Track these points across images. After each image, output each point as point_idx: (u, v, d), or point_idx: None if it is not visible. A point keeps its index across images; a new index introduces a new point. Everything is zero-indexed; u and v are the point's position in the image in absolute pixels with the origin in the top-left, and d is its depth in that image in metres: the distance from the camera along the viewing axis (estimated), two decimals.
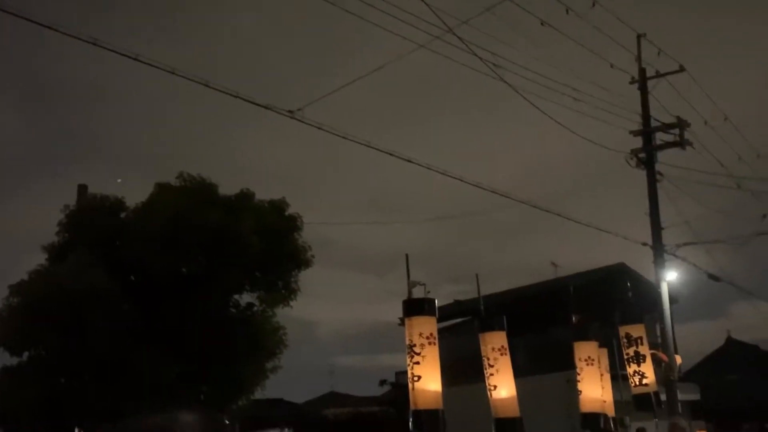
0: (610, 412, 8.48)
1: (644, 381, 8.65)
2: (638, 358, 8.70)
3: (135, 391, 12.21)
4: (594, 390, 7.98)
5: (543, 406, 16.26)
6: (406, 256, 5.76)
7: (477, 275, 7.06)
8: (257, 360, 14.08)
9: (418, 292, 5.76)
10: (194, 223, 13.20)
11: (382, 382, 24.80)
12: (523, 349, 18.98)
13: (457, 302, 22.28)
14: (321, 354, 57.24)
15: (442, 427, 5.52)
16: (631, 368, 8.69)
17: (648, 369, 8.66)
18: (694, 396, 20.11)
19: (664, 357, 14.48)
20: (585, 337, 8.20)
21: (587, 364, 8.00)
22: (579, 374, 8.02)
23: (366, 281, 54.98)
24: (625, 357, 8.77)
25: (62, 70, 59.07)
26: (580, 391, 7.99)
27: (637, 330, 8.78)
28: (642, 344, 8.70)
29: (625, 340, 8.77)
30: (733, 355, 28.22)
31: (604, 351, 8.79)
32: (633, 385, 8.67)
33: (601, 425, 7.92)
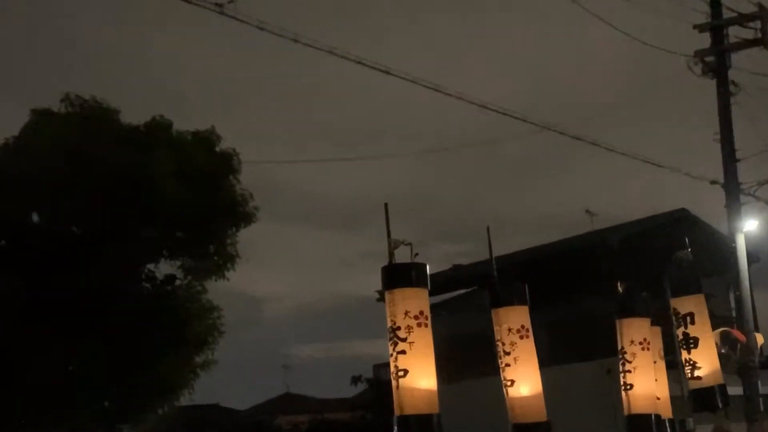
0: (666, 412, 8.68)
1: (697, 372, 8.80)
2: (688, 342, 8.79)
3: (16, 396, 12.30)
4: (646, 383, 8.13)
5: (575, 405, 16.60)
6: (386, 205, 5.74)
7: (488, 228, 7.07)
8: (182, 353, 14.22)
9: (402, 255, 5.79)
10: (88, 165, 13.12)
11: (356, 380, 25.09)
12: (548, 329, 19.27)
13: (456, 268, 22.47)
14: (271, 342, 57.78)
15: None
16: (683, 356, 8.85)
17: (703, 356, 8.77)
18: None
19: (741, 336, 14.71)
20: (634, 312, 8.30)
21: (641, 349, 8.12)
22: (626, 362, 8.15)
23: (331, 241, 55.25)
24: (677, 340, 8.94)
25: None
26: (629, 385, 8.14)
27: (687, 304, 8.85)
28: (693, 323, 8.79)
29: (674, 317, 8.91)
30: None
31: (657, 330, 8.95)
32: (687, 377, 8.86)
33: (654, 430, 8.09)
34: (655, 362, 8.60)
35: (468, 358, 17.39)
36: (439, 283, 20.85)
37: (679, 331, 8.79)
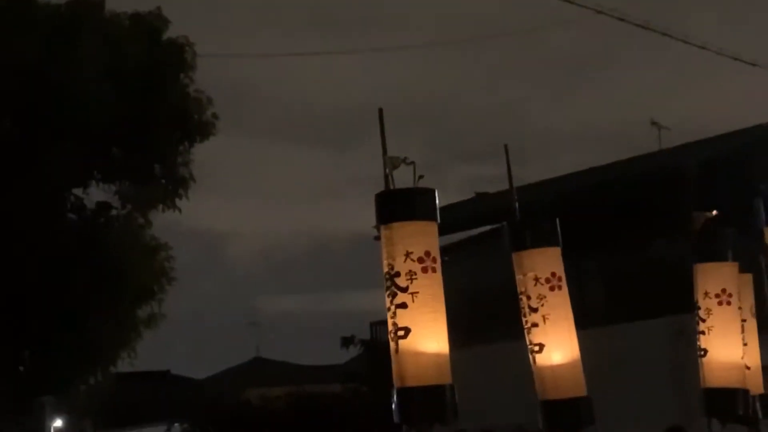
0: (757, 386, 8.78)
1: None
2: None
3: None
4: (729, 348, 8.20)
5: (633, 375, 16.76)
6: (380, 111, 5.75)
7: (506, 147, 7.12)
8: (120, 304, 14.32)
9: (403, 177, 5.81)
10: None
11: (348, 342, 25.33)
12: (596, 279, 19.32)
13: (480, 197, 22.50)
14: (236, 293, 58.36)
15: (452, 414, 5.69)
16: None
17: None
18: None
19: None
20: (715, 255, 8.37)
21: (719, 303, 8.20)
22: (700, 321, 8.25)
23: (314, 162, 55.35)
24: None
25: None
26: (704, 351, 8.24)
27: None
28: None
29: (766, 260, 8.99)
30: None
31: (747, 279, 9.02)
32: None
33: (739, 409, 8.19)
34: (745, 321, 8.64)
35: (495, 315, 17.47)
36: (456, 217, 20.93)
37: None
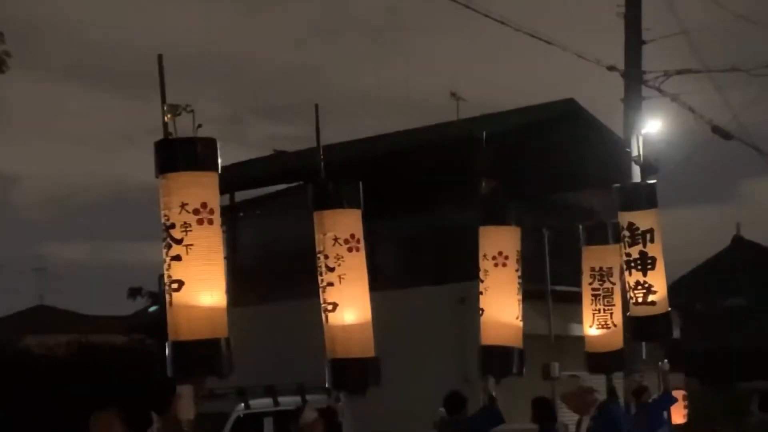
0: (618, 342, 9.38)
1: (651, 297, 9.48)
2: (645, 263, 9.43)
3: None
4: (505, 308, 8.51)
5: (419, 339, 17.13)
6: (159, 57, 5.68)
7: (317, 106, 7.16)
8: None
9: (204, 131, 5.77)
10: None
11: (135, 293, 25.07)
12: (391, 242, 19.67)
13: (278, 155, 22.51)
14: (20, 237, 56.77)
15: (226, 368, 5.69)
16: (632, 278, 9.48)
17: (658, 279, 9.47)
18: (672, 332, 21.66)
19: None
20: (495, 219, 8.68)
21: (495, 265, 8.49)
22: (481, 281, 8.52)
23: (110, 107, 54.13)
24: (624, 260, 9.51)
25: None
26: (482, 310, 8.52)
27: (647, 219, 9.49)
28: (653, 241, 9.42)
29: (626, 234, 9.45)
30: (740, 263, 30.18)
31: (616, 248, 9.57)
32: (633, 302, 9.47)
33: (513, 367, 8.50)
34: (614, 284, 9.34)
35: (289, 274, 17.54)
36: (255, 174, 20.83)
37: (634, 250, 9.35)
